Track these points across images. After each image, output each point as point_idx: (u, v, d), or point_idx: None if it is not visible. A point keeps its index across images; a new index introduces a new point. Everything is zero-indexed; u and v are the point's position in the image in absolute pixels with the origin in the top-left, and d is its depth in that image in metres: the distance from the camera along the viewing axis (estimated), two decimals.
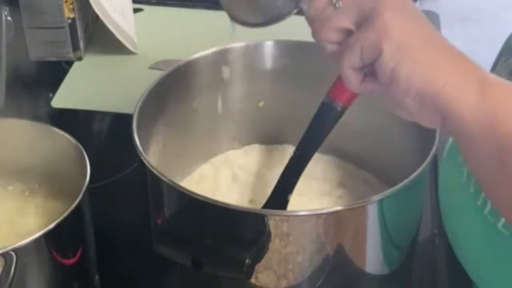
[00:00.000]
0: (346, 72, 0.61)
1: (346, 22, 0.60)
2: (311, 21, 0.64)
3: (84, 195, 0.73)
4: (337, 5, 0.61)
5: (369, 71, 0.61)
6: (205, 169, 0.89)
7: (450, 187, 0.79)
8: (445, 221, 0.84)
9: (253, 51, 0.87)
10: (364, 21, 0.59)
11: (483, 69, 0.58)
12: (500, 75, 0.76)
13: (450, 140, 0.77)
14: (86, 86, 1.13)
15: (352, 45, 0.59)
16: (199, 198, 0.68)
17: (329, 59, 0.63)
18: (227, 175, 0.88)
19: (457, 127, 0.57)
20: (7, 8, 1.08)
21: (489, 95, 0.56)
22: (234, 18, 0.73)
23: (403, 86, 0.57)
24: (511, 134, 0.55)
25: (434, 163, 0.95)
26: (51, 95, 1.10)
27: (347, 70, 0.61)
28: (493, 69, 0.80)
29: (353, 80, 0.61)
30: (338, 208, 0.69)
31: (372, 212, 0.70)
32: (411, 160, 0.74)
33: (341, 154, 0.89)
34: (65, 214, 0.71)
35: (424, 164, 0.71)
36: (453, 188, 0.78)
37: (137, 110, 0.78)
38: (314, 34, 0.64)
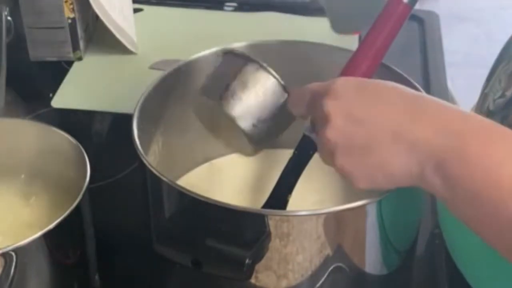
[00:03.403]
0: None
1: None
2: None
3: (84, 195, 0.73)
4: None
5: None
6: (205, 168, 0.89)
7: None
8: (443, 227, 0.85)
9: (253, 51, 0.87)
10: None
11: (440, 129, 0.60)
12: (500, 80, 0.77)
13: None
14: (86, 86, 1.13)
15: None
16: (199, 198, 0.68)
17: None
18: (227, 175, 0.88)
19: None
20: (7, 8, 1.08)
21: (445, 172, 0.59)
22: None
23: (382, 187, 0.64)
24: (473, 198, 0.58)
25: None
26: (51, 95, 1.10)
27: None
28: (492, 74, 0.80)
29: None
30: (338, 208, 0.69)
31: (372, 212, 0.70)
32: None
33: None
34: (65, 214, 0.71)
35: None
36: None
37: (137, 110, 0.78)
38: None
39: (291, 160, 0.78)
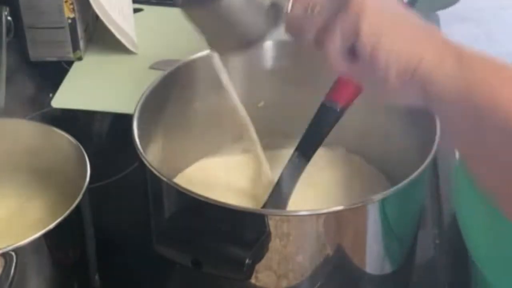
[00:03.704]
0: (332, 57, 0.62)
1: (322, 22, 0.62)
2: (290, 28, 0.65)
3: (84, 195, 0.73)
4: (314, 11, 0.63)
5: (354, 55, 0.62)
6: (205, 169, 0.89)
7: (466, 185, 0.79)
8: (459, 218, 0.84)
9: (253, 51, 0.87)
10: (341, 7, 0.61)
11: (458, 43, 0.59)
12: None
13: None
14: (86, 86, 1.13)
15: (332, 30, 0.61)
16: (199, 198, 0.68)
17: (313, 49, 0.64)
18: (227, 175, 0.88)
19: (437, 98, 0.58)
20: (7, 8, 1.08)
21: (466, 63, 0.57)
22: (214, 48, 0.72)
23: (383, 66, 0.59)
24: (487, 99, 0.56)
25: (434, 163, 0.95)
26: (51, 95, 1.10)
27: (333, 54, 0.62)
28: None
29: (339, 63, 0.63)
30: (338, 208, 0.69)
31: (372, 212, 0.70)
32: (412, 160, 0.74)
33: (341, 153, 0.89)
34: (65, 214, 0.71)
35: (425, 164, 0.71)
36: (469, 185, 0.77)
37: (137, 110, 0.78)
38: (293, 37, 0.65)
39: (290, 160, 0.78)
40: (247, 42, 0.68)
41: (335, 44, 0.61)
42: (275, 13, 0.65)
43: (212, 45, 0.72)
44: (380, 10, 0.60)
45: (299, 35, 0.65)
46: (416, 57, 0.58)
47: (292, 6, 0.64)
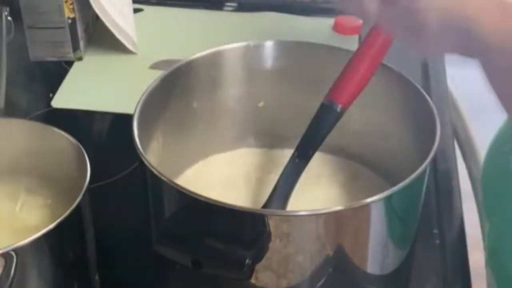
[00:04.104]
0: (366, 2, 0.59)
1: None
2: None
3: (84, 195, 0.73)
4: None
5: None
6: (205, 169, 0.89)
7: (494, 175, 0.78)
8: (487, 209, 0.83)
9: (253, 51, 0.87)
10: None
11: None
12: None
13: (497, 130, 0.77)
14: (86, 86, 1.13)
15: None
16: (199, 198, 0.68)
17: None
18: (227, 175, 0.88)
19: (480, 43, 0.55)
20: (7, 8, 1.08)
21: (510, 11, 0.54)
22: None
23: (423, 6, 0.56)
24: None
25: (434, 163, 0.95)
26: (51, 95, 1.10)
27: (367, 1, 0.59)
28: None
29: (370, 4, 0.59)
30: (338, 208, 0.69)
31: (372, 212, 0.70)
32: (412, 160, 0.74)
33: (341, 153, 0.89)
34: (65, 214, 0.71)
35: (424, 164, 0.71)
36: (498, 176, 0.77)
37: (137, 110, 0.78)
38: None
39: (290, 160, 0.78)
40: None
41: None
42: None
43: None
44: None
45: None
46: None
47: None
